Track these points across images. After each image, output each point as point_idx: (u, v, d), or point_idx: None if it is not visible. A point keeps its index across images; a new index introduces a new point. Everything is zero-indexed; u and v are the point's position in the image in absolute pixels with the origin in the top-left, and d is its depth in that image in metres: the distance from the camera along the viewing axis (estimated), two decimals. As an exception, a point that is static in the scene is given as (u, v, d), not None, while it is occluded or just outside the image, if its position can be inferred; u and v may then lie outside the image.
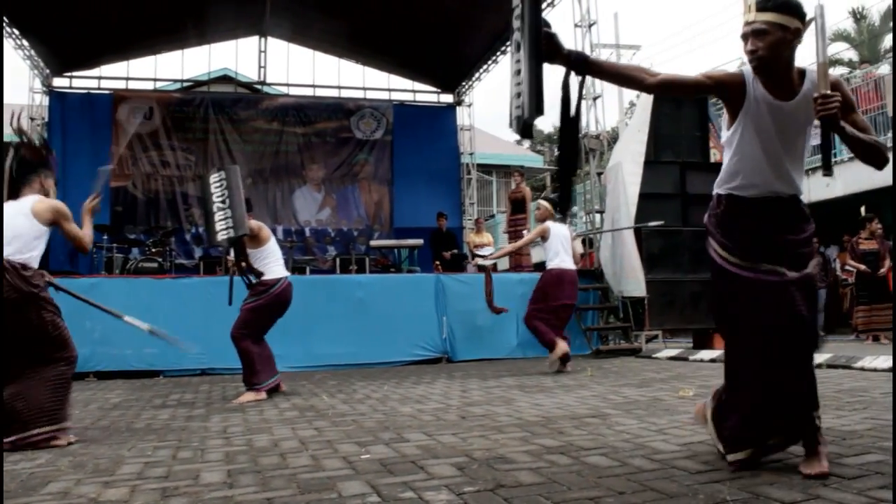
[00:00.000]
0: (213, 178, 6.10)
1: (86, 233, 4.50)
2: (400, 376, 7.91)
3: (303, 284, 10.06)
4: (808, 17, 2.76)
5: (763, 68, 2.79)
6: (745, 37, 2.79)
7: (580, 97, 2.87)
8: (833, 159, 14.06)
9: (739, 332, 2.97)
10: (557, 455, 3.31)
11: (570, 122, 2.89)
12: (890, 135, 12.16)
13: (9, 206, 4.22)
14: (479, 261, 8.97)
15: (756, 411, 2.89)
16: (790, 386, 2.83)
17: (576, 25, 11.71)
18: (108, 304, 5.15)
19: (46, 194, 4.43)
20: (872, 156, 2.76)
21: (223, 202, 5.90)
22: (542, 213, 8.37)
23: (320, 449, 3.70)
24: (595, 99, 11.63)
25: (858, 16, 25.12)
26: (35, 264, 4.24)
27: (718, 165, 10.67)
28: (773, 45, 2.73)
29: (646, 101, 10.92)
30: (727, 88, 2.86)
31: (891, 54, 21.30)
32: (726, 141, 2.98)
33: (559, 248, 8.05)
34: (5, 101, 4.62)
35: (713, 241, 3.01)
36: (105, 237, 11.77)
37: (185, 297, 9.09)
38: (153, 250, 11.98)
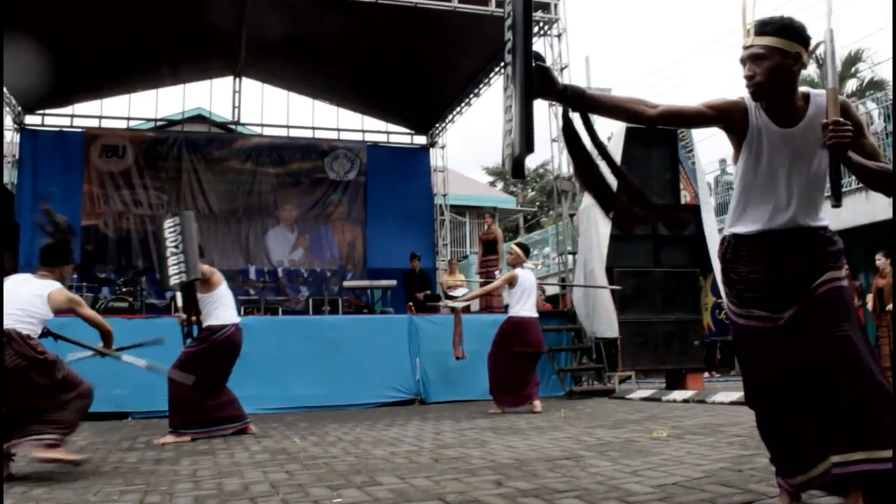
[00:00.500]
0: (168, 223, 6.18)
1: (108, 328, 5.06)
2: (373, 418, 7.84)
3: (275, 325, 10.02)
4: (812, 43, 2.65)
5: (761, 94, 2.66)
6: (742, 61, 2.67)
7: (593, 134, 2.79)
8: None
9: (743, 374, 2.97)
10: (531, 498, 3.29)
11: (611, 164, 2.83)
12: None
13: (26, 282, 4.72)
14: (450, 303, 9.02)
15: (771, 448, 2.82)
16: (795, 430, 2.67)
17: (548, 69, 11.85)
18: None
19: (62, 281, 4.89)
20: (881, 184, 2.65)
21: (176, 247, 5.99)
22: (512, 259, 8.50)
23: (291, 493, 3.65)
24: (567, 141, 11.73)
25: (821, 61, 25.67)
26: (36, 335, 4.57)
27: (689, 207, 10.80)
28: (771, 70, 2.61)
29: (616, 142, 11.03)
30: (729, 117, 2.74)
31: (854, 97, 21.76)
32: (734, 176, 2.85)
33: (522, 295, 8.26)
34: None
35: (722, 285, 2.93)
36: (75, 276, 11.63)
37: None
38: (124, 290, 11.86)
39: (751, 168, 2.74)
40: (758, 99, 2.68)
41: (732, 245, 2.82)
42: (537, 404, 7.96)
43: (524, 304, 8.24)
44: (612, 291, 10.15)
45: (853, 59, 24.26)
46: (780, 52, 2.59)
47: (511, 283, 8.30)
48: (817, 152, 2.66)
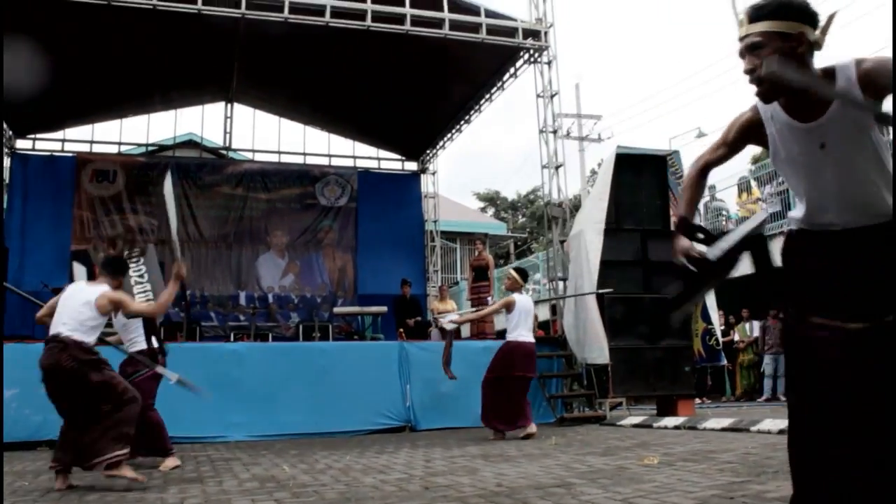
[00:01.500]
0: (132, 264, 6.37)
1: (163, 296, 5.46)
2: (363, 446, 7.79)
3: (265, 352, 9.99)
4: (821, 17, 2.31)
5: (768, 92, 2.34)
6: (741, 55, 2.36)
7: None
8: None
9: (791, 402, 2.48)
10: (522, 526, 3.27)
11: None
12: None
13: (82, 290, 5.23)
14: (444, 324, 8.94)
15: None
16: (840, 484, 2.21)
17: (538, 96, 11.95)
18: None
19: (118, 287, 5.40)
20: None
21: (141, 276, 6.26)
22: (510, 284, 8.55)
23: (280, 521, 3.61)
24: (557, 168, 11.82)
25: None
26: (91, 343, 5.09)
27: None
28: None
29: (606, 169, 11.10)
30: (746, 139, 2.54)
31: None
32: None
33: (520, 320, 8.29)
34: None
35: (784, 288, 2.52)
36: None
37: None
38: (112, 315, 11.79)
39: (787, 171, 2.47)
40: (768, 99, 2.38)
41: (796, 241, 2.49)
42: (533, 427, 8.02)
43: (522, 329, 8.26)
44: (602, 316, 10.16)
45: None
46: (779, 37, 2.27)
47: (508, 307, 8.30)
48: (861, 133, 2.29)
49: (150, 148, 16.02)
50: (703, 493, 3.90)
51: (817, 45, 2.30)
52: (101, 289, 5.25)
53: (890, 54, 2.15)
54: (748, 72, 2.34)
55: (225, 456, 7.10)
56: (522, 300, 8.38)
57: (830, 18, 2.28)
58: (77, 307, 5.08)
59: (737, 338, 15.51)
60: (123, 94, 14.15)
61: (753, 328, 15.30)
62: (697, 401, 12.50)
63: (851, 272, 2.30)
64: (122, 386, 5.10)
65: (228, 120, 16.05)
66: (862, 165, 2.31)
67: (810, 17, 2.29)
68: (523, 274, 8.80)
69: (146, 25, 11.26)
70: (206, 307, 14.54)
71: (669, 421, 8.95)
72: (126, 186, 14.73)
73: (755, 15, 2.32)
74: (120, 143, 15.53)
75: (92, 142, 15.24)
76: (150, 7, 10.02)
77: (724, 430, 7.85)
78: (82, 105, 14.17)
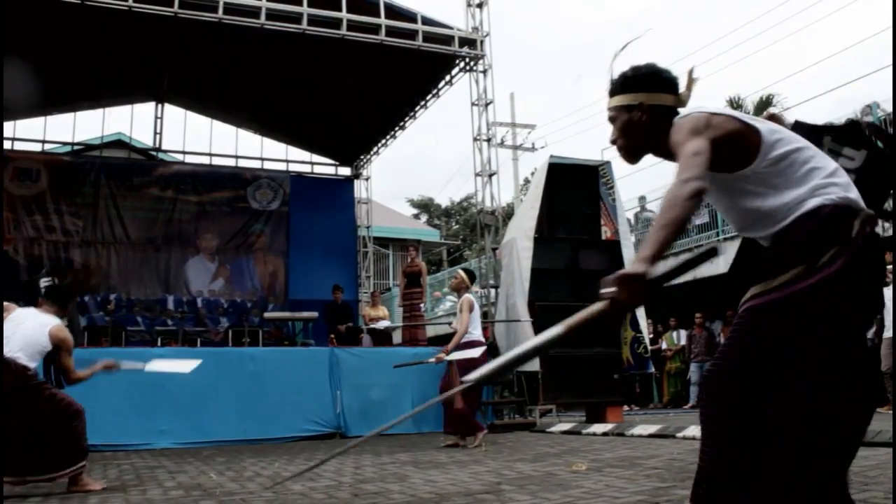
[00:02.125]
0: (44, 281, 6.23)
1: (81, 373, 5.36)
2: (292, 453, 7.71)
3: (193, 356, 9.78)
4: (675, 77, 2.37)
5: (627, 157, 2.46)
6: None
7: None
8: (719, 236, 14.71)
9: None
10: (452, 533, 3.27)
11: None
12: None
13: (35, 316, 5.24)
14: (444, 357, 8.46)
15: None
16: None
17: (473, 104, 12.03)
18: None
19: (61, 317, 5.43)
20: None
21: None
22: (457, 283, 8.27)
23: (206, 530, 3.55)
24: (491, 176, 11.91)
25: (735, 105, 26.66)
26: (33, 368, 5.07)
27: (609, 243, 10.91)
28: (623, 130, 2.41)
29: (539, 178, 11.21)
30: None
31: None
32: None
33: (477, 319, 8.15)
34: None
35: None
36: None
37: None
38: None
39: None
40: (629, 161, 2.49)
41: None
42: (470, 440, 7.85)
43: (479, 329, 8.15)
44: (533, 324, 10.21)
45: (764, 104, 25.30)
46: (624, 109, 2.40)
47: (471, 308, 8.03)
48: (726, 180, 2.23)
49: (76, 147, 15.60)
50: (629, 499, 3.97)
51: (680, 103, 2.36)
52: (55, 321, 5.26)
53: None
54: (612, 142, 2.46)
55: (150, 464, 6.96)
56: (475, 299, 8.29)
57: (690, 75, 2.36)
58: (31, 331, 5.10)
59: (664, 346, 15.81)
60: (49, 91, 13.73)
61: (681, 337, 15.62)
62: (626, 408, 12.71)
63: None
64: (65, 401, 5.11)
65: (159, 120, 15.74)
66: (746, 205, 2.26)
67: (660, 84, 2.37)
68: (471, 275, 8.53)
69: (74, 20, 10.97)
70: (132, 311, 14.20)
71: (598, 427, 9.08)
72: (50, 186, 14.29)
73: (611, 91, 2.43)
74: (44, 142, 15.08)
75: (14, 139, 14.76)
76: (79, 1, 9.79)
77: (650, 436, 7.99)
78: (4, 100, 13.72)
